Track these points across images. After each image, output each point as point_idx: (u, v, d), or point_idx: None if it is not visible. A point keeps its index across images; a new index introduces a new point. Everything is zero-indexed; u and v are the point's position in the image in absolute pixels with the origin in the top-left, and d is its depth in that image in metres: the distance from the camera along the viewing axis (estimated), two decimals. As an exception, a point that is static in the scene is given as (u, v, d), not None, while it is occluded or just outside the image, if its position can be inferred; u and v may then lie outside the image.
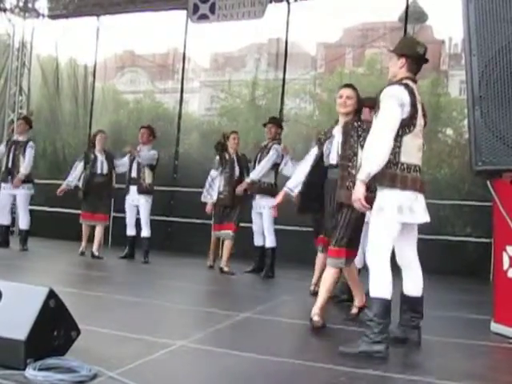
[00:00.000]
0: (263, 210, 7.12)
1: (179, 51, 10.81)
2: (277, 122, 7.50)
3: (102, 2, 10.38)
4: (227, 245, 7.17)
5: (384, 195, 3.55)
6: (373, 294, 3.51)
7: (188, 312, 4.75)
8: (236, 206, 7.17)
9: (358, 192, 3.46)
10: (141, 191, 7.87)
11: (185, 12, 9.87)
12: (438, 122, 9.91)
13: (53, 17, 10.84)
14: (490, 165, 2.44)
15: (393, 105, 3.45)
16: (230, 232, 7.16)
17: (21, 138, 8.19)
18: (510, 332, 4.13)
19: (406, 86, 3.52)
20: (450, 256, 7.98)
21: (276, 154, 7.03)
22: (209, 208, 7.46)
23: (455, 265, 7.80)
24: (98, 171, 7.94)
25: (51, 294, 2.83)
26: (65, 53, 11.28)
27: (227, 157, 7.31)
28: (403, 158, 3.50)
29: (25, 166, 8.00)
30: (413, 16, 9.13)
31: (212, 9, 9.48)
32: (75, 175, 8.06)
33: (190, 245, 9.06)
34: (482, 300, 4.98)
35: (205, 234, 9.08)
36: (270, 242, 7.11)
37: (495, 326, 4.33)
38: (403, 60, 3.63)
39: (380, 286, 3.50)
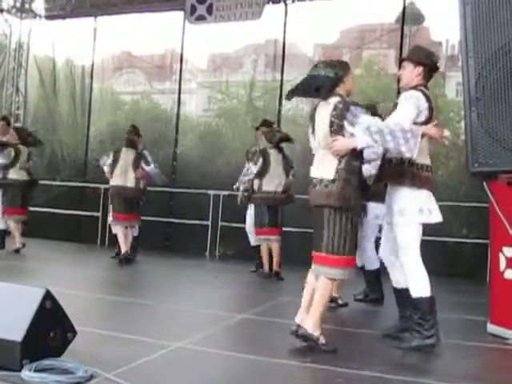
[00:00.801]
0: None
1: (176, 52, 10.80)
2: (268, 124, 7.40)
3: (99, 2, 10.37)
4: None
5: (405, 195, 3.65)
6: (415, 294, 3.66)
7: (186, 313, 4.74)
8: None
9: (349, 144, 3.46)
10: None
11: (182, 13, 9.86)
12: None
13: (50, 17, 10.83)
14: (487, 166, 2.44)
15: (411, 106, 3.57)
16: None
17: (5, 139, 8.15)
18: (506, 333, 4.14)
19: (423, 92, 3.64)
20: (447, 257, 7.99)
21: None
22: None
23: (452, 266, 7.81)
24: None
25: (47, 295, 2.82)
26: (62, 53, 11.26)
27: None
28: (418, 159, 3.57)
29: None
30: (410, 17, 9.12)
31: (209, 10, 9.48)
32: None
33: (189, 246, 9.06)
34: (478, 301, 4.99)
35: (203, 235, 9.11)
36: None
37: (492, 327, 4.33)
38: (420, 69, 3.73)
39: (420, 286, 3.66)
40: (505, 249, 4.29)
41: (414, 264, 3.70)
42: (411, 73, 3.77)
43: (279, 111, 9.54)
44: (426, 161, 3.69)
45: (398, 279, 3.92)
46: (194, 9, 9.60)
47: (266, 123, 7.33)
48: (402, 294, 3.87)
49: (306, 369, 3.19)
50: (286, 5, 9.41)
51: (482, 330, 4.35)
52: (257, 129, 7.30)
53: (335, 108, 3.52)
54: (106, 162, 7.65)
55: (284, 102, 9.49)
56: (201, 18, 9.59)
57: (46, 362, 2.69)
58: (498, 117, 2.30)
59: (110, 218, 8.00)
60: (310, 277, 3.70)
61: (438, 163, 9.27)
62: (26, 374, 2.59)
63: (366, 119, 3.41)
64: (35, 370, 2.60)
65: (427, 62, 3.74)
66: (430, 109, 3.63)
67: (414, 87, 3.69)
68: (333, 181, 3.48)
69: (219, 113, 12.30)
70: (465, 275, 7.57)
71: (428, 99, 3.63)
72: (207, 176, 9.73)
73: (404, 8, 8.80)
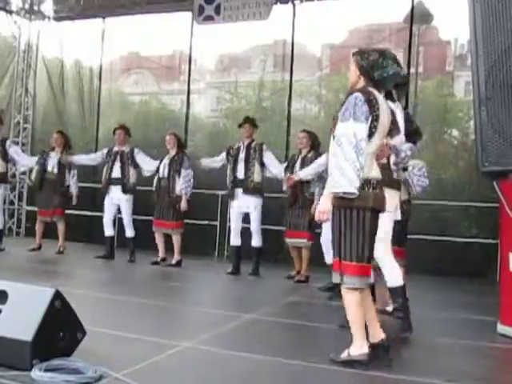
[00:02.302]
0: (252, 210, 7.11)
1: (185, 53, 10.81)
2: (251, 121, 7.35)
3: (108, 3, 10.40)
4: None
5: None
6: None
7: (194, 313, 4.75)
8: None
9: None
10: (126, 190, 7.86)
11: (190, 13, 9.87)
12: (444, 123, 9.88)
13: (58, 19, 10.87)
14: (497, 165, 2.43)
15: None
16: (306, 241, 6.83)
17: None
18: (516, 333, 4.12)
19: None
20: (456, 257, 7.96)
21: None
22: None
23: (461, 266, 7.78)
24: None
25: (57, 295, 2.83)
26: (70, 55, 11.30)
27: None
28: None
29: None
30: (418, 17, 9.08)
31: (217, 10, 9.48)
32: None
33: (198, 246, 9.06)
34: (488, 301, 4.96)
35: (212, 236, 9.11)
36: (258, 241, 7.14)
37: (502, 328, 4.31)
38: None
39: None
40: (515, 249, 4.27)
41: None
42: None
43: (288, 111, 9.54)
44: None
45: None
46: (201, 9, 9.60)
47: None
48: None
49: (316, 369, 3.18)
50: (294, 5, 9.40)
51: (491, 330, 4.33)
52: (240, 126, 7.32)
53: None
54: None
55: (293, 102, 9.50)
56: (209, 19, 9.59)
57: (56, 362, 2.70)
58: (508, 116, 2.28)
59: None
60: None
61: (447, 163, 9.24)
62: (35, 373, 2.60)
63: None
64: (45, 370, 2.61)
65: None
66: None
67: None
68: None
69: (227, 113, 12.30)
70: (474, 275, 7.54)
71: None
72: (216, 176, 9.73)
73: (412, 7, 8.77)
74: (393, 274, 3.99)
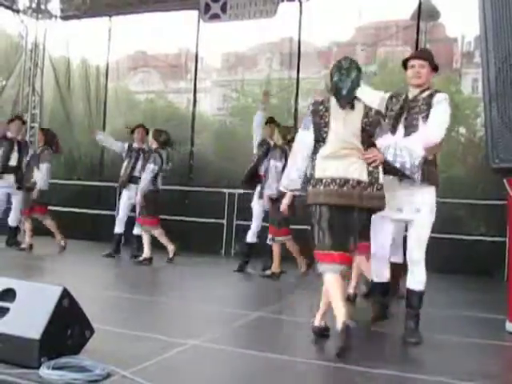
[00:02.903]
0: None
1: (191, 51, 10.80)
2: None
3: (114, 2, 10.40)
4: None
5: (431, 194, 3.81)
6: None
7: (201, 311, 4.75)
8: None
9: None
10: None
11: (196, 12, 9.87)
12: (451, 121, 9.82)
13: (65, 18, 10.88)
14: (508, 162, 2.40)
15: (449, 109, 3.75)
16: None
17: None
18: (525, 332, 4.10)
19: None
20: (464, 255, 7.92)
21: None
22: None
23: (469, 264, 7.74)
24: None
25: (65, 293, 2.84)
26: (77, 53, 11.31)
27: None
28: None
29: None
30: (425, 14, 9.04)
31: (223, 8, 9.47)
32: None
33: (205, 244, 9.06)
34: (497, 299, 4.93)
35: (219, 234, 9.11)
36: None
37: (510, 326, 4.29)
38: (433, 73, 3.88)
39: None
40: (524, 246, 4.25)
41: None
42: (429, 75, 3.84)
43: (295, 109, 9.51)
44: None
45: None
46: (208, 7, 9.59)
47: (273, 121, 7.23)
48: None
49: (324, 367, 3.18)
50: (300, 2, 9.37)
51: (500, 328, 4.31)
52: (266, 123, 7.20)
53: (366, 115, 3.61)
54: None
55: (299, 100, 9.47)
56: (215, 17, 9.58)
57: (64, 360, 2.71)
58: (519, 112, 2.28)
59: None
60: None
61: (455, 160, 9.20)
62: (44, 371, 2.60)
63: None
64: (53, 368, 2.62)
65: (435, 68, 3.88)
66: None
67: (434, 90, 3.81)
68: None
69: (234, 111, 12.31)
70: (482, 273, 7.50)
71: None
72: (222, 174, 9.74)
73: (419, 4, 8.72)
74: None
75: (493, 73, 2.37)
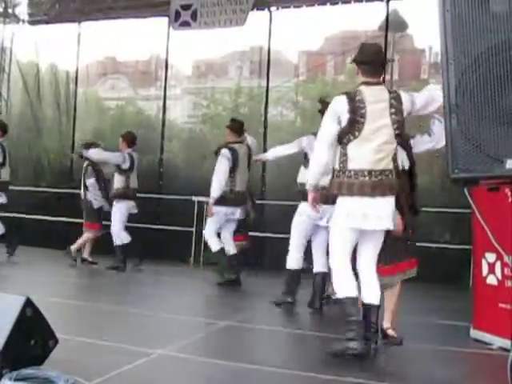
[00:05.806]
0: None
1: (161, 58, 10.77)
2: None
3: (83, 8, 10.32)
4: None
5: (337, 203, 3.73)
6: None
7: (169, 320, 4.72)
8: None
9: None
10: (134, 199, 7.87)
11: (167, 19, 9.85)
12: (418, 131, 9.96)
13: (33, 22, 10.76)
14: (467, 172, 2.45)
15: (327, 120, 3.70)
16: None
17: None
18: (489, 338, 4.17)
19: (348, 94, 3.67)
20: (430, 263, 8.00)
21: None
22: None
23: (435, 272, 7.83)
24: None
25: (28, 303, 2.80)
26: (46, 59, 11.19)
27: None
28: (350, 165, 3.60)
29: None
30: (393, 25, 9.18)
31: (194, 16, 9.46)
32: None
33: (174, 252, 8.99)
34: (461, 307, 5.01)
35: (188, 242, 9.05)
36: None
37: (474, 333, 4.36)
38: (356, 67, 3.89)
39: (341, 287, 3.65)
40: (487, 254, 4.33)
41: (338, 267, 3.69)
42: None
43: (265, 118, 9.55)
44: (364, 165, 3.60)
45: None
46: (178, 15, 9.57)
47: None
48: None
49: (291, 376, 3.18)
50: (270, 12, 9.43)
51: (465, 335, 4.38)
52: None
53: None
54: None
55: (269, 108, 9.52)
56: (185, 25, 9.56)
57: (27, 371, 2.66)
58: (478, 123, 2.31)
59: None
60: None
61: (421, 169, 9.31)
62: (5, 383, 2.56)
63: None
64: (15, 379, 2.57)
65: (359, 59, 3.87)
66: (352, 111, 3.59)
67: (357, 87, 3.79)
68: None
69: (204, 119, 12.29)
70: (448, 281, 7.60)
71: (351, 100, 3.62)
72: (192, 182, 9.69)
73: (387, 15, 8.86)
74: None
75: (453, 84, 2.42)
